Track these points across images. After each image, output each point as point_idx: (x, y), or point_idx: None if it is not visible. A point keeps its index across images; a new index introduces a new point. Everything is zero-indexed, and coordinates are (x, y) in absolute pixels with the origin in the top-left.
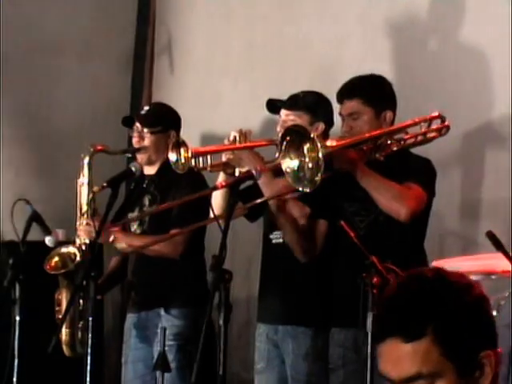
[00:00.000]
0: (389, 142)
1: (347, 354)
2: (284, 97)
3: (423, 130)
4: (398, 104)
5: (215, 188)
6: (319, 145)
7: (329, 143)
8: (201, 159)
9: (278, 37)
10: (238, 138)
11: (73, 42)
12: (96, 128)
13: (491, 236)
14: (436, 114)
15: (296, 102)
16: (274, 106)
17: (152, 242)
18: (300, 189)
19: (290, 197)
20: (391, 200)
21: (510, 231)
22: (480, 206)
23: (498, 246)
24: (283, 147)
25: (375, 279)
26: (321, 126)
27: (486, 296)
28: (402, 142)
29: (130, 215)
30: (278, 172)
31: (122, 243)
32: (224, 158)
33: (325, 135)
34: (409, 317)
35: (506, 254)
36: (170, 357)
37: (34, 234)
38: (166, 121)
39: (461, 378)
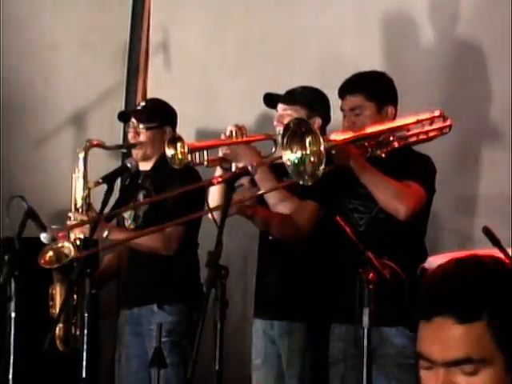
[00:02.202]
0: (391, 138)
1: (348, 349)
2: (280, 93)
3: (425, 128)
4: None
5: (211, 183)
6: (321, 138)
7: (332, 137)
8: (197, 154)
9: (275, 32)
10: (234, 133)
11: (68, 38)
12: (91, 123)
13: (487, 231)
14: (438, 113)
15: (293, 96)
16: (271, 99)
17: (144, 233)
18: (301, 182)
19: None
20: (391, 198)
21: (510, 227)
22: (476, 202)
23: (495, 241)
24: (285, 139)
25: (371, 275)
26: (318, 121)
27: None
28: (404, 140)
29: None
30: (275, 168)
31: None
32: (220, 153)
33: (321, 131)
34: (466, 298)
35: (502, 249)
36: (164, 353)
37: (30, 231)
38: (161, 117)
39: (508, 371)
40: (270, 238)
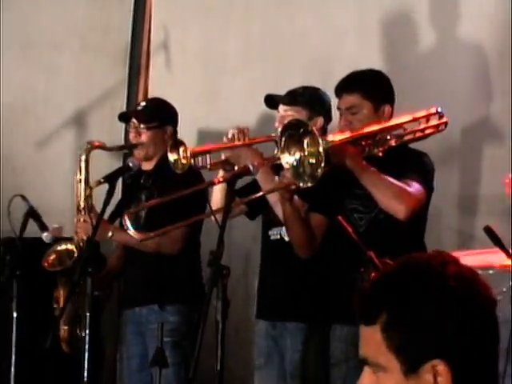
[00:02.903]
0: (388, 137)
1: (349, 349)
2: (281, 93)
3: (422, 125)
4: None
5: (212, 183)
6: (320, 139)
7: (330, 138)
8: (200, 158)
9: (275, 33)
10: (236, 136)
11: (69, 38)
12: (92, 123)
13: (489, 230)
14: (434, 110)
15: (294, 97)
16: (272, 101)
17: (148, 237)
18: (301, 184)
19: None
20: (391, 198)
21: (510, 226)
22: (477, 201)
23: (496, 240)
24: (283, 142)
25: (373, 274)
26: (319, 121)
27: (471, 304)
28: (400, 138)
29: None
30: (278, 168)
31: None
32: (223, 156)
33: (323, 130)
34: (366, 301)
35: (503, 248)
36: (166, 353)
37: (31, 230)
38: (162, 116)
39: (407, 378)
40: (272, 238)
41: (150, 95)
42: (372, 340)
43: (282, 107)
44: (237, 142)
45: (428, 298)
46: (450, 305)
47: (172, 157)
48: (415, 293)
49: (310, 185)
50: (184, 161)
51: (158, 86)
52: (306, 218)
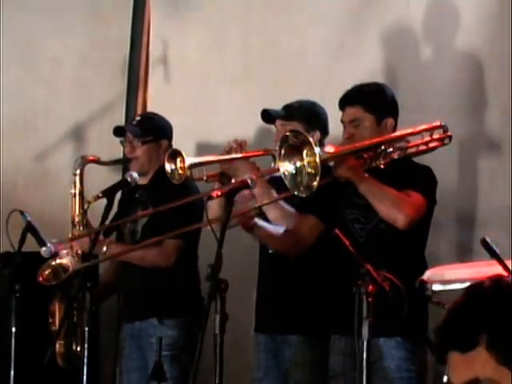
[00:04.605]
0: (390, 149)
1: (347, 362)
2: (279, 106)
3: (425, 139)
4: None
5: (210, 197)
6: (318, 151)
7: (328, 149)
8: (197, 169)
9: (274, 46)
10: (234, 148)
11: (68, 52)
12: (91, 137)
13: (485, 243)
14: (438, 123)
15: (291, 112)
16: (269, 116)
17: (142, 246)
18: (296, 193)
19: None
20: (390, 207)
21: (510, 239)
22: (475, 214)
23: (492, 253)
24: (282, 151)
25: (370, 287)
26: (316, 135)
27: None
28: (404, 151)
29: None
30: (275, 182)
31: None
32: (220, 168)
33: (320, 144)
34: (460, 329)
35: (500, 260)
36: (164, 367)
37: (30, 245)
38: (156, 130)
39: None
40: (271, 251)
41: (149, 109)
42: (476, 362)
43: (278, 122)
44: (234, 155)
45: None
46: None
47: (169, 167)
48: (507, 305)
49: (304, 195)
50: (181, 171)
51: (156, 99)
52: (299, 220)
